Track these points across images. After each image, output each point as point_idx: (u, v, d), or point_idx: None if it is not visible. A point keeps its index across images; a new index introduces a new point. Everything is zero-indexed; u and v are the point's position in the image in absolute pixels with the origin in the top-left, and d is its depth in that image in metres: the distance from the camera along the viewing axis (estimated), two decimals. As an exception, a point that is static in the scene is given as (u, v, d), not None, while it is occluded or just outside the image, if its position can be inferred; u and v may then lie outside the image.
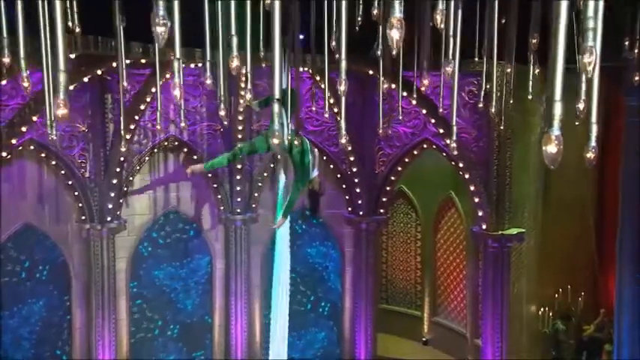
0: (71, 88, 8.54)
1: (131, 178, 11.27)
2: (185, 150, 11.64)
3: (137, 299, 11.74)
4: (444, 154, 11.03)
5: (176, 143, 11.60)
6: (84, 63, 6.81)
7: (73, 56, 6.47)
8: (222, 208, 12.05)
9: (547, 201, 12.65)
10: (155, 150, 11.44)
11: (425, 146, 11.28)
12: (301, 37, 10.37)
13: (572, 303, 13.30)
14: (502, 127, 8.13)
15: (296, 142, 5.51)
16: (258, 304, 12.47)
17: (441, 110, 7.25)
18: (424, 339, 14.33)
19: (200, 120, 11.57)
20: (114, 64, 7.31)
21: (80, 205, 10.82)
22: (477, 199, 10.60)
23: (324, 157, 11.71)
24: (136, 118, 10.17)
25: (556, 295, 13.22)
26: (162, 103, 11.01)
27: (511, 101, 6.42)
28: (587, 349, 13.11)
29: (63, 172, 10.55)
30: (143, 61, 9.47)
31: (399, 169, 11.67)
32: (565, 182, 12.13)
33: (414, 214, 14.56)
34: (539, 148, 11.79)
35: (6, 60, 4.24)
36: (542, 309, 13.10)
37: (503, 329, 10.61)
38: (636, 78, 7.32)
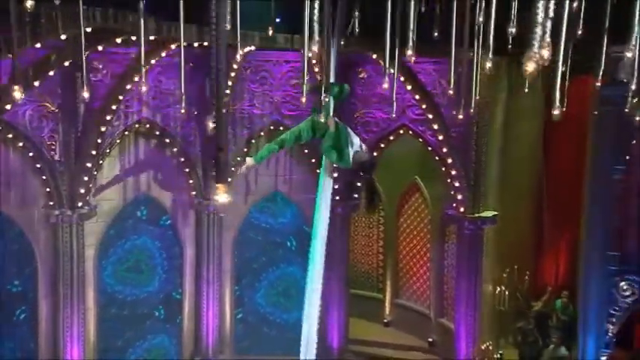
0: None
1: (101, 162, 10.80)
2: (157, 133, 11.29)
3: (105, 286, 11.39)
4: (420, 139, 11.35)
5: (147, 126, 11.23)
6: (99, 37, 6.41)
7: (89, 30, 6.11)
8: (193, 193, 11.80)
9: (502, 187, 13.29)
10: (126, 132, 11.02)
11: (402, 132, 11.53)
12: (277, 20, 10.32)
13: (519, 282, 14.07)
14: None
15: (331, 128, 5.51)
16: (229, 291, 12.36)
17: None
18: (385, 320, 14.69)
19: (174, 102, 11.24)
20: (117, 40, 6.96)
21: (48, 189, 10.27)
22: (457, 183, 11.00)
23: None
24: (120, 98, 9.74)
25: (504, 275, 13.94)
26: (133, 84, 10.67)
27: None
28: (536, 325, 13.91)
29: (31, 154, 9.96)
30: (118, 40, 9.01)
31: (375, 154, 11.85)
32: (517, 171, 12.75)
33: (377, 199, 14.82)
34: (500, 136, 12.46)
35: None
36: (498, 288, 13.78)
37: (476, 309, 11.12)
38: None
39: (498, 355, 12.26)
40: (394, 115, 9.13)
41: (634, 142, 10.70)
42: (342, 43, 7.16)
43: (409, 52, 5.01)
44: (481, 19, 5.06)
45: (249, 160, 5.79)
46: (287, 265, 12.59)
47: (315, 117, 5.72)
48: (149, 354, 11.67)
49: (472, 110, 6.51)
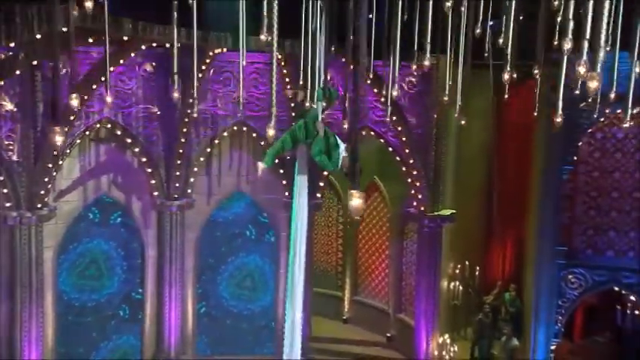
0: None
1: (60, 162, 10.59)
2: (118, 133, 11.15)
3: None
4: (382, 140, 11.65)
5: (109, 126, 11.08)
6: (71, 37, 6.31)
7: (65, 29, 6.04)
8: (156, 193, 11.71)
9: (454, 185, 13.76)
10: (87, 132, 10.84)
11: (364, 133, 11.78)
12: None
13: (470, 277, 14.59)
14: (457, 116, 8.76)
15: (321, 133, 5.67)
16: (191, 291, 12.32)
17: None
18: (344, 317, 14.96)
19: (136, 102, 11.14)
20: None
21: (5, 190, 9.99)
22: (418, 183, 11.36)
23: (262, 143, 11.80)
24: (86, 98, 9.58)
25: (457, 271, 14.45)
26: (98, 84, 10.53)
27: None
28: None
29: (-13, 154, 9.68)
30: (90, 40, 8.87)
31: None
32: (467, 170, 13.25)
33: (336, 199, 15.09)
34: (454, 137, 12.92)
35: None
36: (452, 283, 14.26)
37: (435, 305, 11.51)
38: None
39: (454, 349, 12.73)
40: (388, 119, 9.34)
41: (580, 143, 11.37)
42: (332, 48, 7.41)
43: (427, 63, 5.22)
44: (478, 30, 5.35)
45: (260, 165, 5.92)
46: (246, 254, 12.63)
47: (308, 119, 5.86)
48: (113, 354, 11.52)
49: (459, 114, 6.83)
